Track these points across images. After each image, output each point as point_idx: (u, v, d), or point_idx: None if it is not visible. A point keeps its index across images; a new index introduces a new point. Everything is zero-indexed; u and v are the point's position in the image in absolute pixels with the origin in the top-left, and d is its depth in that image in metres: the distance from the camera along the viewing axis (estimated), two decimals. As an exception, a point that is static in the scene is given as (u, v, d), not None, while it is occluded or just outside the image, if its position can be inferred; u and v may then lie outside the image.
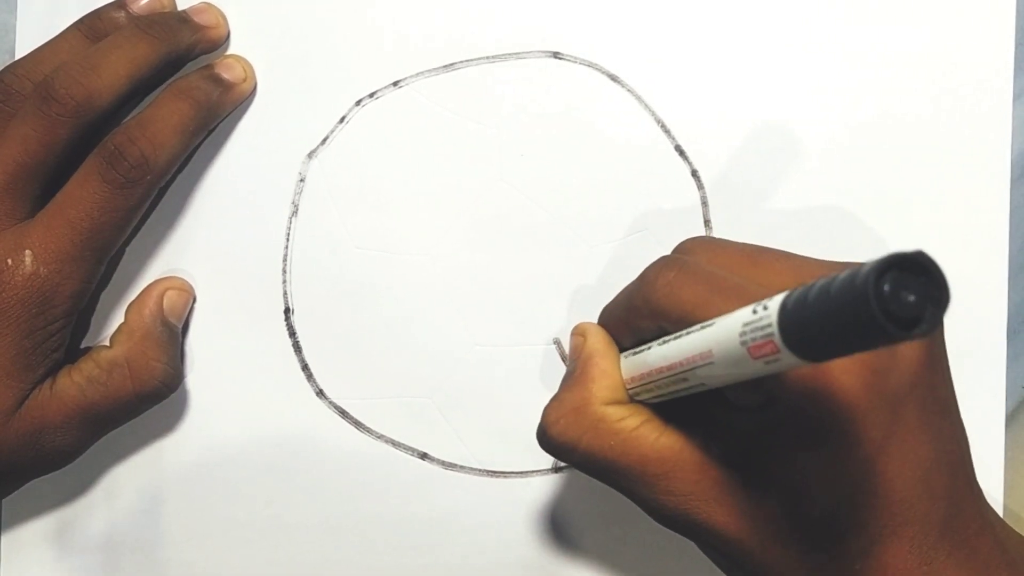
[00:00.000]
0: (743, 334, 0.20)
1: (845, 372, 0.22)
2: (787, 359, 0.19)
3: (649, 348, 0.25)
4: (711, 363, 0.22)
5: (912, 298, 0.16)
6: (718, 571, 0.33)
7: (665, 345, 0.24)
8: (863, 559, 0.23)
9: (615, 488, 0.26)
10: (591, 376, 0.27)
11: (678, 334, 0.24)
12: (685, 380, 0.24)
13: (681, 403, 0.25)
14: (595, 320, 0.29)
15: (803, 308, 0.18)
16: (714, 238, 0.27)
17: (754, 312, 0.20)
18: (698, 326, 0.23)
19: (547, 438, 0.27)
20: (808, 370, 0.22)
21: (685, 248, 0.27)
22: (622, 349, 0.28)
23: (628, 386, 0.27)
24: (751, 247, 0.26)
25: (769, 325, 0.19)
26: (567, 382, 0.28)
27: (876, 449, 0.22)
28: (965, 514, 0.24)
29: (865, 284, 0.16)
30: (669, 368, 0.24)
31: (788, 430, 0.23)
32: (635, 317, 0.26)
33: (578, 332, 0.29)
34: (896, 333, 0.16)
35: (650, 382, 0.25)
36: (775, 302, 0.19)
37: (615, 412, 0.26)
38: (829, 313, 0.17)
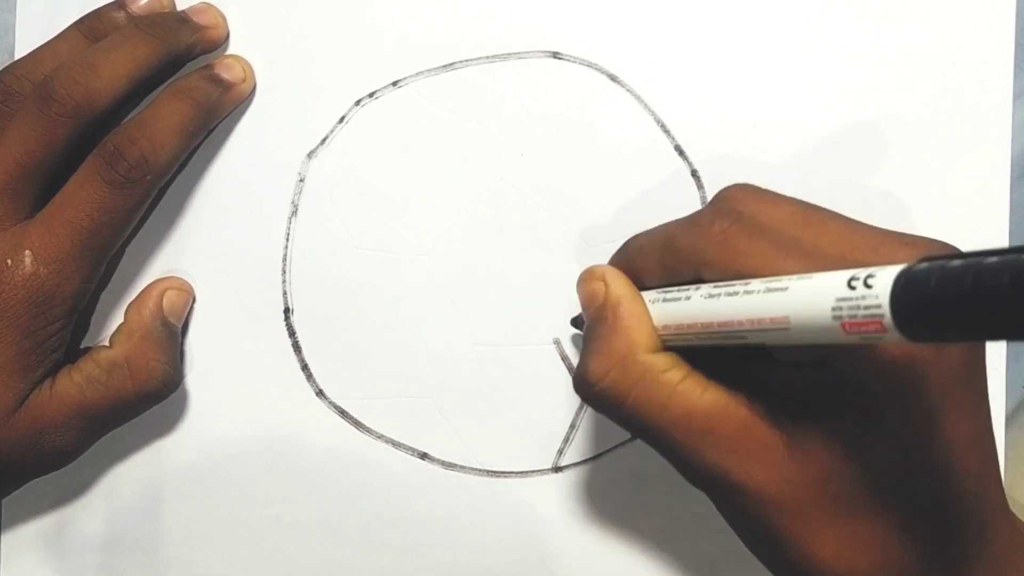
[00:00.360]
0: (837, 308, 0.20)
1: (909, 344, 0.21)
2: (891, 337, 0.19)
3: (688, 297, 0.24)
4: (784, 329, 0.21)
5: None
6: (717, 570, 0.33)
7: (716, 300, 0.23)
8: (899, 532, 0.23)
9: (651, 443, 0.26)
10: (627, 323, 0.26)
11: (731, 289, 0.23)
12: (743, 338, 0.23)
13: (718, 355, 0.25)
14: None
15: (923, 293, 0.18)
16: (760, 188, 0.25)
17: (851, 287, 0.19)
18: (761, 286, 0.22)
19: (594, 394, 0.26)
20: None
21: (733, 197, 0.26)
22: (640, 287, 0.27)
23: (660, 333, 0.26)
24: (802, 204, 0.25)
25: (878, 306, 0.19)
26: (597, 332, 0.26)
27: (927, 425, 0.22)
28: (992, 496, 0.24)
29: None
30: (722, 325, 0.23)
31: (839, 393, 0.23)
32: (674, 259, 0.25)
33: (594, 276, 0.27)
34: None
35: (692, 333, 0.24)
36: (882, 282, 0.19)
37: (658, 362, 0.25)
38: (968, 302, 0.17)
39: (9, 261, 0.28)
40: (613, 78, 0.33)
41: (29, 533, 0.34)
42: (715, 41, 0.32)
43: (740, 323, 0.22)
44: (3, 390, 0.28)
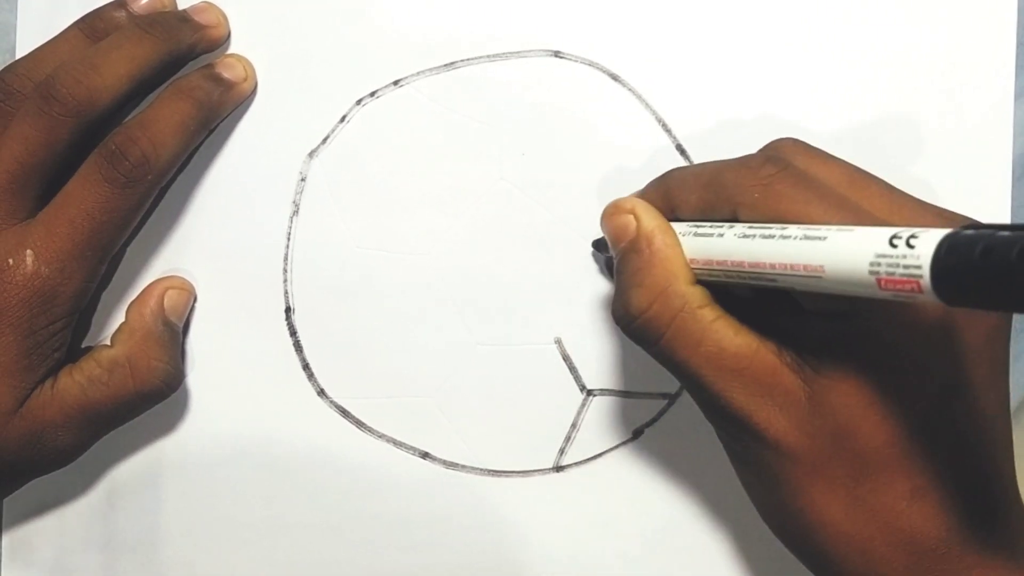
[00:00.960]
0: (875, 264, 0.20)
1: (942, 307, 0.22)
2: (924, 299, 0.19)
3: (721, 234, 0.25)
4: (818, 277, 0.21)
5: None
6: (716, 571, 0.33)
7: (751, 240, 0.23)
8: (910, 500, 0.23)
9: (680, 378, 0.26)
10: (664, 255, 0.25)
11: (767, 232, 0.23)
12: (772, 281, 0.23)
13: (747, 301, 0.25)
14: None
15: (967, 259, 0.18)
16: (810, 145, 0.26)
17: (892, 245, 0.19)
18: (798, 232, 0.22)
19: (634, 327, 0.26)
20: None
21: (785, 147, 0.26)
22: (670, 220, 0.27)
23: (691, 266, 0.26)
24: (850, 166, 0.25)
25: (918, 267, 0.19)
26: (633, 265, 0.26)
27: (953, 387, 0.22)
28: (1008, 471, 0.24)
29: None
30: (754, 265, 0.23)
31: (865, 346, 0.23)
32: (715, 195, 0.25)
33: (623, 209, 0.27)
34: None
35: (721, 270, 0.24)
36: (925, 244, 0.19)
37: (695, 296, 0.25)
38: (1010, 273, 0.17)
39: (10, 260, 0.28)
40: (614, 77, 0.33)
41: (29, 533, 0.34)
42: (716, 40, 0.32)
43: (772, 266, 0.23)
44: (4, 389, 0.28)
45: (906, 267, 0.19)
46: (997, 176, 0.32)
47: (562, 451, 0.33)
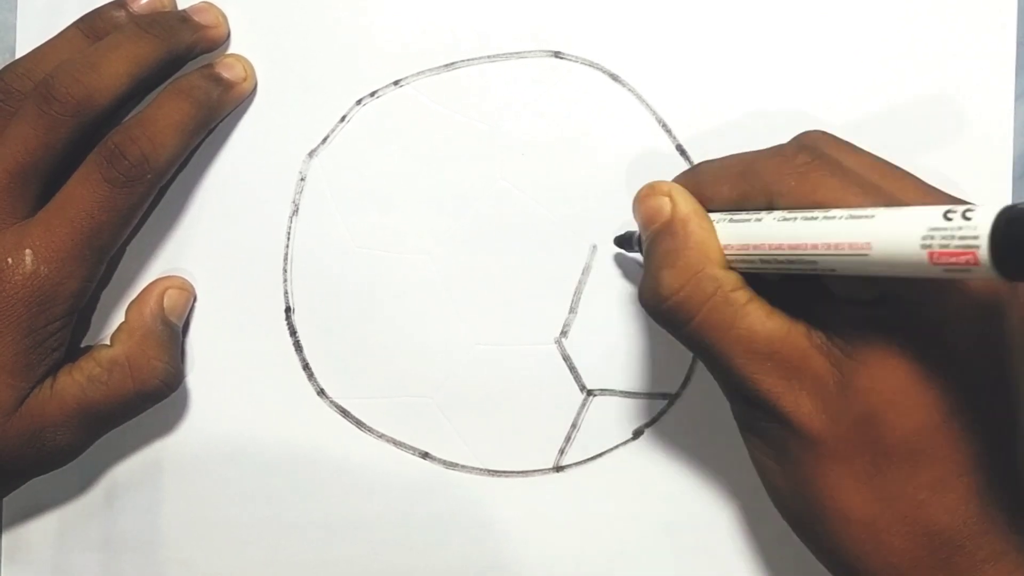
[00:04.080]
0: (928, 237, 0.20)
1: (985, 285, 0.21)
2: (979, 273, 0.19)
3: (759, 219, 0.25)
4: (863, 255, 0.21)
5: None
6: (716, 571, 0.33)
7: (791, 223, 0.23)
8: (932, 491, 0.23)
9: (707, 361, 0.26)
10: (699, 238, 0.25)
11: (810, 214, 0.23)
12: (812, 263, 0.23)
13: (776, 288, 0.25)
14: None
15: None
16: (838, 137, 0.26)
17: (947, 219, 0.19)
18: (843, 214, 0.22)
19: (664, 308, 0.26)
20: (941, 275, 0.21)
21: (816, 138, 0.26)
22: (708, 209, 0.27)
23: (725, 252, 0.26)
24: (877, 158, 0.25)
25: (975, 237, 0.19)
26: (666, 247, 0.26)
27: (994, 367, 0.22)
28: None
29: None
30: (793, 247, 0.23)
31: (895, 332, 0.23)
32: (750, 185, 0.25)
33: (659, 192, 0.27)
34: None
35: (757, 255, 0.25)
36: (983, 216, 0.19)
37: (728, 280, 0.25)
38: None
39: (10, 260, 0.28)
40: (614, 77, 0.33)
41: (29, 533, 0.34)
42: (716, 40, 0.32)
43: (815, 246, 0.23)
44: (3, 389, 0.28)
45: (963, 238, 0.19)
46: (997, 176, 0.32)
47: (562, 451, 0.33)
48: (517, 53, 0.33)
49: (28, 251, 0.28)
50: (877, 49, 0.32)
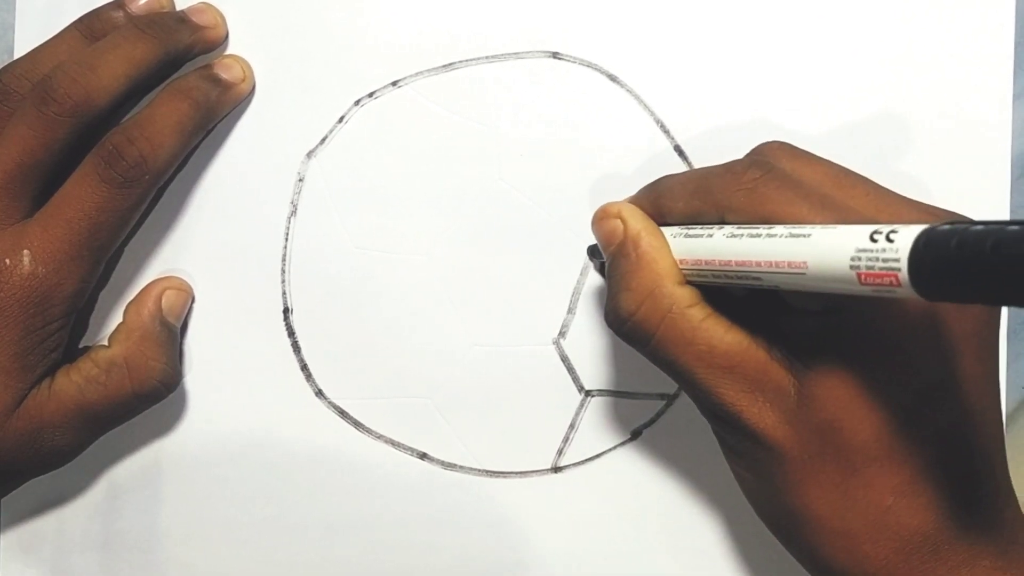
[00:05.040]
0: (856, 259, 0.20)
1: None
2: (903, 293, 0.19)
3: (711, 235, 0.25)
4: (801, 273, 0.22)
5: None
6: (715, 570, 0.33)
7: (738, 240, 0.24)
8: (897, 496, 0.23)
9: (673, 376, 0.26)
10: (651, 256, 0.26)
11: (754, 231, 0.23)
12: (757, 279, 0.23)
13: (736, 299, 0.25)
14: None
15: (943, 252, 0.18)
16: (797, 148, 0.26)
17: (872, 240, 0.20)
18: (784, 231, 0.23)
19: (626, 329, 0.26)
20: None
21: (770, 151, 0.26)
22: (661, 225, 0.27)
23: (682, 267, 0.26)
24: (835, 166, 0.25)
25: (896, 260, 0.19)
26: (622, 268, 0.26)
27: (941, 376, 0.22)
28: (1001, 464, 0.24)
29: None
30: (740, 264, 0.24)
31: (850, 340, 0.23)
32: (702, 201, 0.26)
33: (610, 215, 0.27)
34: None
35: (709, 270, 0.25)
36: (904, 238, 0.19)
37: (684, 296, 0.25)
38: (983, 266, 0.17)
39: (7, 261, 0.28)
40: (613, 78, 0.32)
41: (29, 533, 0.34)
42: (715, 41, 0.32)
43: (758, 264, 0.23)
44: (1, 390, 0.28)
45: (885, 261, 0.19)
46: (997, 176, 0.32)
47: (560, 452, 0.33)
48: (515, 54, 0.33)
49: (26, 252, 0.28)
50: (875, 50, 0.32)
